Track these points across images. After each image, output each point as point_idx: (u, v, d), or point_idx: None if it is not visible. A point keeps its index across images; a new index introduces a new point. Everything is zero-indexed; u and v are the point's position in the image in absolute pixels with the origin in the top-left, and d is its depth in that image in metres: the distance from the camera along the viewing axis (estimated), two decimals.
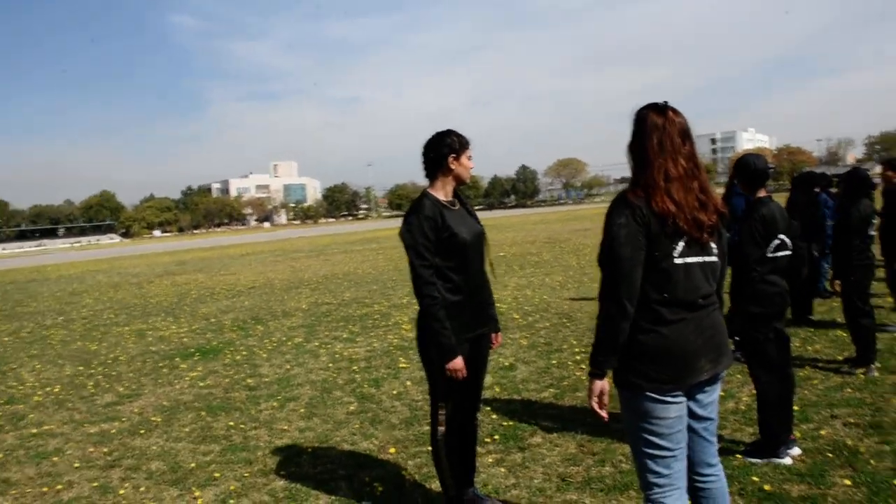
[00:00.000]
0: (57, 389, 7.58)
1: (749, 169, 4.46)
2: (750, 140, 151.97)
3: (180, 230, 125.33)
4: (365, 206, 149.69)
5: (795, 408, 4.64)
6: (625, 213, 2.43)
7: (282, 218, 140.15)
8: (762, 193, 4.46)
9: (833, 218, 9.85)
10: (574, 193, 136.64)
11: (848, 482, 3.80)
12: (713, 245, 2.55)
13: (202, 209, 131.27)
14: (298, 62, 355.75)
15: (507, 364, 7.03)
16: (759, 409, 4.35)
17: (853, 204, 6.17)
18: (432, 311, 3.41)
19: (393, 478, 4.41)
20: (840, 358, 6.31)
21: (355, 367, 7.47)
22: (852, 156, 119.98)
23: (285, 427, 5.60)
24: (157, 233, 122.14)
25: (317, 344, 9.01)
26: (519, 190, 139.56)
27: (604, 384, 2.52)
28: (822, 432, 4.56)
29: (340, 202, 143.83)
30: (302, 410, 6.03)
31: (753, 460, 4.18)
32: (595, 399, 2.53)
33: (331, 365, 7.70)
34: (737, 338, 4.50)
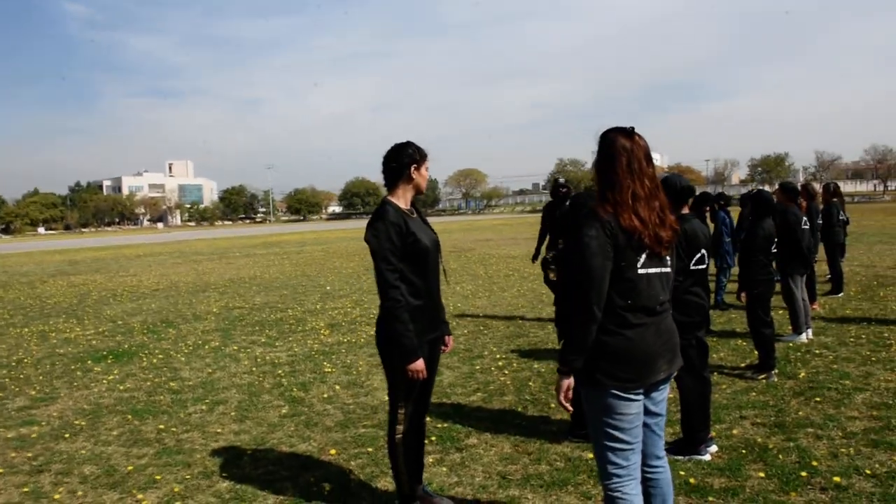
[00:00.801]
0: None
1: (675, 188, 4.80)
2: None
3: (67, 228, 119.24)
4: (263, 209, 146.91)
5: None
6: (595, 226, 2.66)
7: (176, 219, 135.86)
8: (685, 210, 4.83)
9: (731, 235, 10.56)
10: (474, 204, 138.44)
11: (762, 474, 4.18)
12: (668, 257, 2.83)
13: (92, 207, 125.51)
14: (196, 59, 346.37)
15: None
16: (681, 410, 4.70)
17: (758, 223, 6.68)
18: (397, 314, 3.54)
19: (338, 478, 4.50)
20: (743, 365, 6.82)
21: (280, 372, 7.47)
22: (737, 175, 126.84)
23: (219, 430, 5.58)
24: (41, 230, 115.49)
25: (235, 348, 8.94)
26: (419, 199, 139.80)
27: (570, 381, 2.76)
28: (735, 431, 4.96)
29: (238, 205, 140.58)
30: (233, 413, 6.02)
31: (677, 457, 4.51)
32: (562, 394, 2.76)
33: (254, 369, 7.67)
34: None
